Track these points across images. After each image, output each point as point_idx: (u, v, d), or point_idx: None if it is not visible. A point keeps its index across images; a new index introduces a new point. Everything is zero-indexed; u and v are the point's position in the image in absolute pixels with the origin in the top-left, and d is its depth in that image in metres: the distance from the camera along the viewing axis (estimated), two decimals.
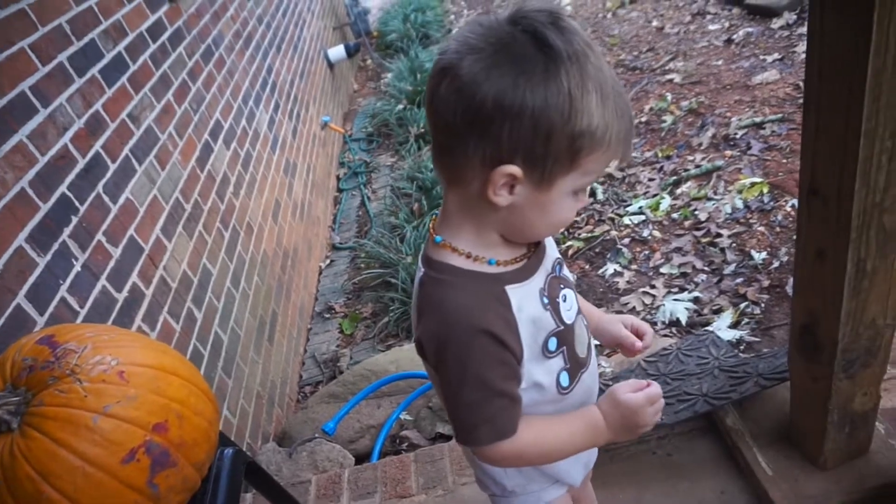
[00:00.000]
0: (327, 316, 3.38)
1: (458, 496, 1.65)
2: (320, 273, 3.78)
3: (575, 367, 0.87)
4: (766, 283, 2.37)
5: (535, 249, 0.85)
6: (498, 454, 0.81)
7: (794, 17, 4.01)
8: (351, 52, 5.82)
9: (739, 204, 2.74)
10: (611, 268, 2.76)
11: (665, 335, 2.38)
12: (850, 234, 0.88)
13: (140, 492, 0.84)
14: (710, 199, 2.86)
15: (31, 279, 1.45)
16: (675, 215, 2.88)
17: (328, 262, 3.87)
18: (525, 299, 0.80)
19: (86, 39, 1.96)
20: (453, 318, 0.76)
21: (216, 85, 2.93)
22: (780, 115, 3.14)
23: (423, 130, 4.72)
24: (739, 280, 2.44)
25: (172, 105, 2.42)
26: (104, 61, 2.02)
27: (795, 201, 2.61)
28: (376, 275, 3.32)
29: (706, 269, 2.57)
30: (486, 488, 1.04)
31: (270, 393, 2.55)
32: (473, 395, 0.77)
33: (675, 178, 3.09)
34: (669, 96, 3.73)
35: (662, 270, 2.64)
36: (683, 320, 2.38)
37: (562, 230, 3.12)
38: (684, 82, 3.83)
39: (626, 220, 2.98)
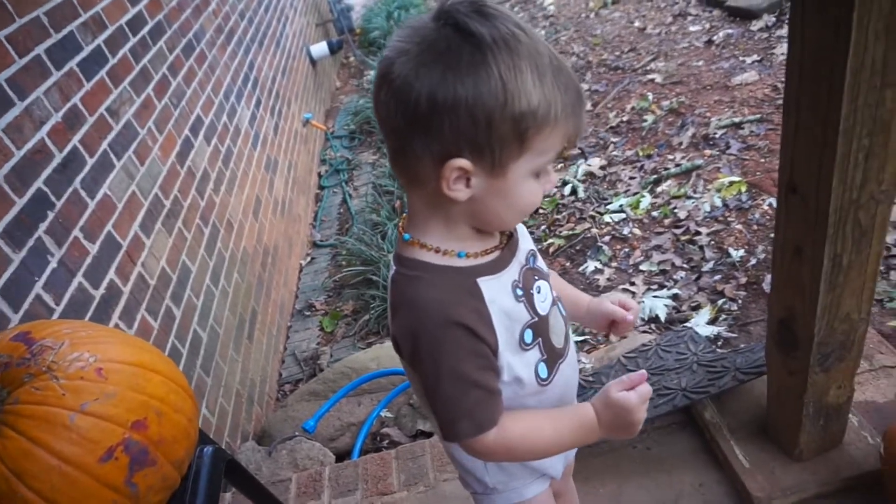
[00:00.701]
0: (308, 314, 3.36)
1: (439, 492, 1.65)
2: (301, 270, 3.76)
3: (552, 357, 0.88)
4: (743, 280, 2.40)
5: (507, 241, 0.85)
6: (483, 448, 0.81)
7: (773, 19, 4.06)
8: (334, 49, 5.79)
9: (718, 202, 2.78)
10: (591, 265, 2.78)
11: (644, 331, 2.40)
12: (827, 230, 0.90)
13: (118, 491, 0.83)
14: (689, 197, 2.89)
15: (5, 276, 1.42)
16: (655, 213, 2.91)
17: (309, 259, 3.85)
18: (498, 292, 0.80)
19: (64, 32, 1.93)
20: (425, 312, 0.76)
21: (197, 80, 2.89)
22: (758, 116, 3.18)
23: None
24: (717, 277, 2.47)
25: (152, 100, 2.39)
26: (83, 54, 1.99)
27: (773, 200, 2.65)
28: (357, 272, 3.31)
29: (685, 266, 2.60)
30: (468, 486, 1.03)
31: (250, 391, 2.53)
32: (450, 389, 0.77)
33: (655, 176, 3.12)
34: (651, 96, 3.76)
35: (642, 268, 2.67)
36: (663, 317, 2.40)
37: (532, 215, 3.14)
38: (665, 82, 3.87)
39: (607, 218, 3.00)
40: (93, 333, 0.91)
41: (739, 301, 2.34)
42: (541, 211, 3.28)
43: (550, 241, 3.02)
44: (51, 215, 1.63)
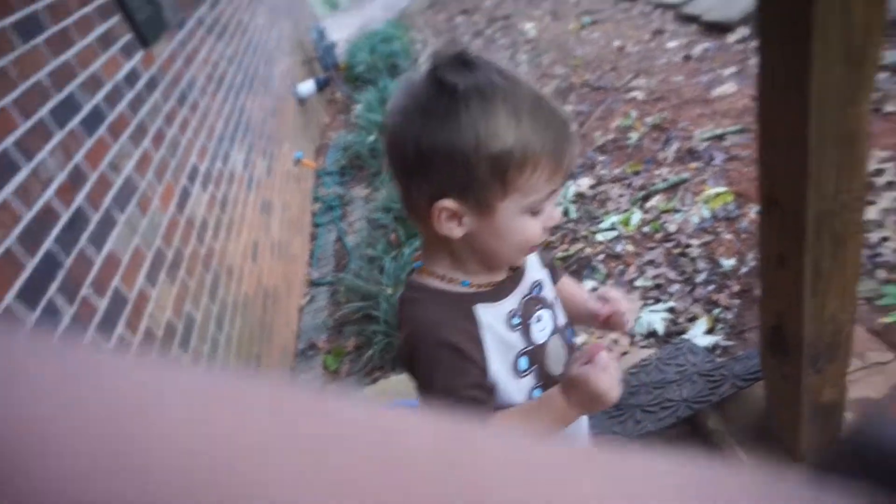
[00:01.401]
0: (311, 353, 3.38)
1: None
2: (301, 311, 3.79)
3: (548, 384, 0.92)
4: (736, 288, 2.46)
5: (512, 273, 0.91)
6: None
7: (748, 31, 4.19)
8: (320, 86, 5.91)
9: (706, 214, 2.84)
10: (588, 284, 2.83)
11: (644, 346, 2.45)
12: (806, 239, 0.96)
13: None
14: (678, 210, 2.96)
15: None
16: (646, 229, 2.98)
17: (308, 298, 3.89)
18: (494, 318, 0.87)
19: (65, 92, 1.99)
20: (421, 331, 0.84)
21: (191, 128, 2.97)
22: (739, 127, 3.27)
23: None
24: (711, 287, 2.52)
25: (150, 152, 2.46)
26: (83, 113, 2.06)
27: (759, 208, 2.71)
28: (357, 308, 3.35)
29: (679, 279, 2.65)
30: None
31: None
32: (441, 402, 0.84)
33: (643, 192, 3.19)
34: (634, 113, 3.86)
35: (637, 283, 2.72)
36: (661, 331, 2.45)
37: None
38: (647, 99, 3.97)
39: (600, 237, 3.06)
40: None
41: (734, 309, 2.39)
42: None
43: None
44: (61, 274, 1.68)
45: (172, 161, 2.63)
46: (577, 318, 1.05)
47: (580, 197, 3.44)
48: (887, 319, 1.96)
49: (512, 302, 0.90)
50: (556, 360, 0.94)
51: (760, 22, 0.86)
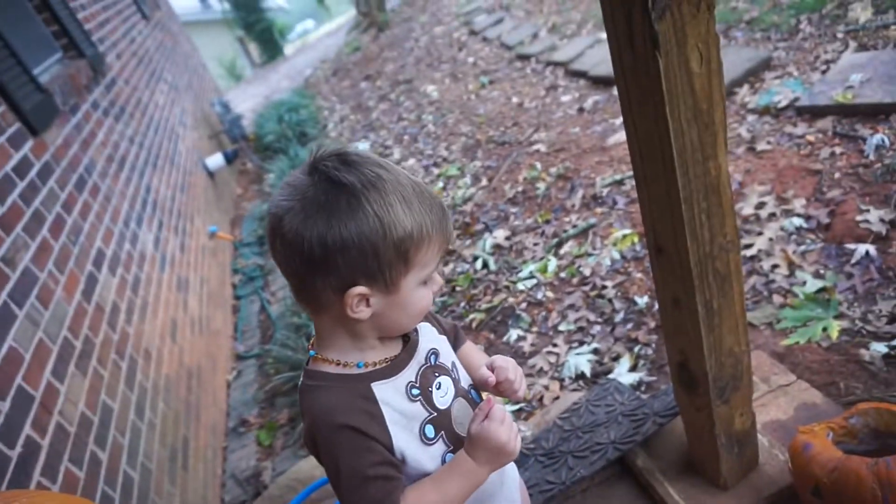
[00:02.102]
0: (242, 430, 3.25)
1: None
2: (228, 386, 3.66)
3: (459, 447, 0.94)
4: (651, 324, 2.58)
5: (405, 345, 0.95)
6: None
7: None
8: (230, 159, 5.86)
9: (616, 255, 2.99)
10: (514, 333, 2.90)
11: (574, 389, 2.51)
12: (693, 281, 1.04)
13: None
14: (590, 254, 3.10)
15: None
16: (562, 274, 3.09)
17: (235, 373, 3.76)
18: (392, 394, 0.90)
19: None
20: (319, 418, 0.87)
21: (93, 213, 2.87)
22: None
23: None
24: (629, 325, 2.64)
25: (49, 241, 2.35)
26: None
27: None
28: (287, 378, 3.27)
29: (599, 320, 2.75)
30: None
31: None
32: (349, 483, 0.86)
33: (556, 239, 3.33)
34: (539, 165, 4.04)
35: (561, 328, 2.80)
36: (588, 372, 2.52)
37: (450, 293, 3.24)
38: (549, 151, 4.17)
39: (520, 286, 3.15)
40: (27, 501, 0.90)
41: (653, 345, 2.50)
42: (458, 288, 3.40)
43: (472, 315, 3.13)
44: None
45: (75, 248, 2.52)
46: (476, 384, 1.07)
47: (498, 248, 3.54)
48: (787, 342, 2.11)
49: (409, 374, 0.93)
50: (463, 423, 0.97)
51: (622, 94, 0.95)
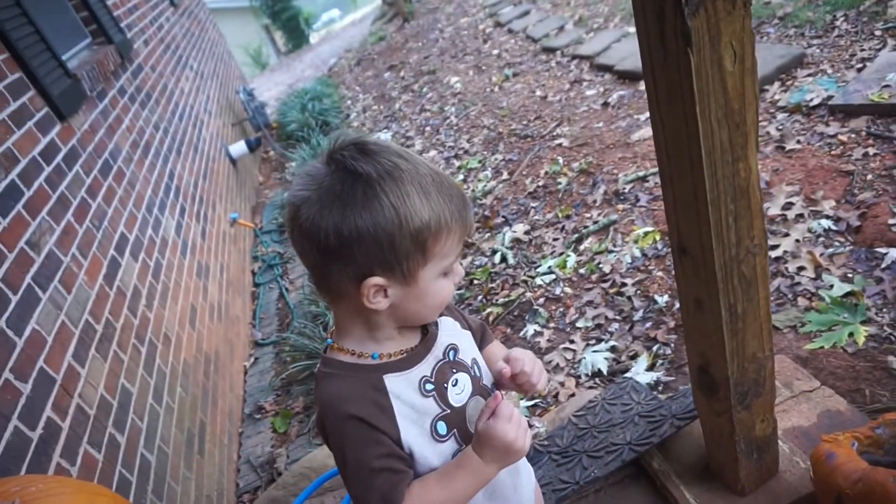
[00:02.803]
0: (258, 416, 3.28)
1: None
2: (245, 373, 3.69)
3: None
4: (671, 323, 2.54)
5: (423, 340, 0.94)
6: None
7: None
8: (252, 147, 5.88)
9: (637, 253, 2.95)
10: (531, 329, 2.88)
11: (590, 387, 2.49)
12: (717, 284, 1.01)
13: None
14: (610, 251, 3.06)
15: None
16: (582, 271, 3.06)
17: (252, 360, 3.79)
18: (404, 388, 0.89)
19: None
20: (329, 406, 0.87)
21: (117, 198, 2.90)
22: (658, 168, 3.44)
23: None
24: (649, 324, 2.60)
25: (73, 225, 2.38)
26: None
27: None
28: (303, 367, 3.29)
29: (618, 317, 2.72)
30: None
31: None
32: (355, 473, 0.86)
33: (576, 235, 3.29)
34: (561, 159, 4.00)
35: (578, 325, 2.78)
36: (604, 370, 2.50)
37: (467, 286, 3.23)
38: (572, 145, 4.13)
39: (539, 281, 3.13)
40: (43, 487, 0.91)
41: (672, 344, 2.47)
42: (475, 282, 3.38)
43: (489, 310, 3.11)
44: None
45: (98, 233, 2.55)
46: (494, 379, 1.05)
47: (517, 242, 3.52)
48: (811, 346, 2.07)
49: (423, 369, 0.92)
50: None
51: (650, 90, 0.92)
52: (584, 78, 5.13)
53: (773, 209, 2.67)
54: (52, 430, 1.74)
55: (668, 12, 0.82)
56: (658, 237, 2.97)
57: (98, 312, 2.27)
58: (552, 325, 2.87)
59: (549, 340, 2.78)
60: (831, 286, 2.25)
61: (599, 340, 2.66)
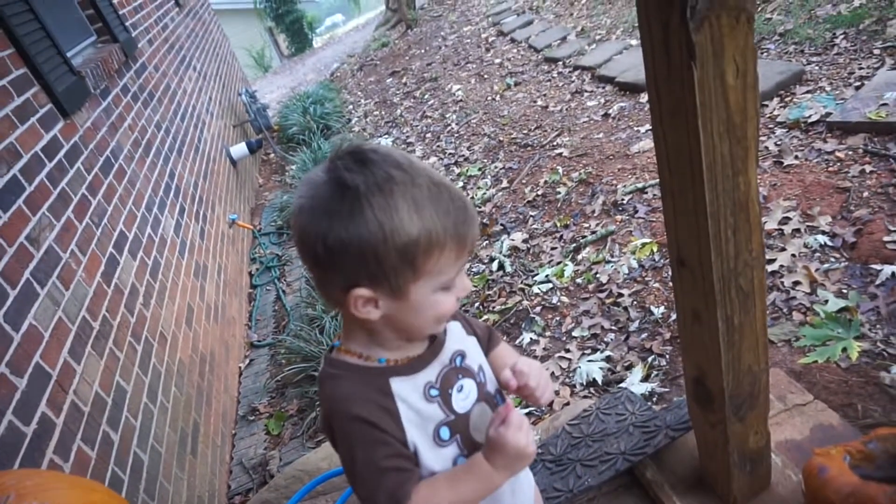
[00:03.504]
0: (251, 418, 3.28)
1: None
2: (240, 374, 3.69)
3: (473, 452, 0.93)
4: (667, 335, 2.55)
5: (431, 346, 0.94)
6: None
7: None
8: (253, 149, 5.90)
9: (634, 264, 2.97)
10: (527, 337, 2.88)
11: (585, 396, 2.50)
12: (715, 296, 1.02)
13: None
14: (608, 261, 3.07)
15: None
16: (579, 280, 3.07)
17: (247, 361, 3.79)
18: (409, 392, 0.89)
19: None
20: (335, 407, 0.87)
21: (118, 196, 2.90)
22: (658, 180, 3.44)
23: None
24: (644, 335, 2.61)
25: (73, 222, 2.38)
26: None
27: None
28: (299, 370, 3.29)
29: (614, 328, 2.73)
30: None
31: None
32: (364, 472, 0.86)
33: (574, 244, 3.31)
34: (560, 169, 4.02)
35: (574, 334, 2.79)
36: (599, 380, 2.51)
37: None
38: (572, 155, 4.15)
39: (536, 289, 3.14)
40: (39, 481, 0.91)
41: (667, 356, 2.48)
42: (473, 288, 3.39)
43: (485, 317, 3.12)
44: None
45: (98, 230, 2.56)
46: (499, 385, 1.05)
47: (515, 251, 3.53)
48: (805, 360, 2.08)
49: (429, 374, 0.92)
50: (480, 429, 0.96)
51: (653, 103, 0.93)
52: (586, 89, 5.16)
53: (771, 224, 2.69)
54: (46, 425, 1.74)
55: (672, 25, 0.83)
56: (655, 249, 2.98)
57: (95, 309, 2.27)
58: (548, 333, 2.88)
59: (544, 349, 2.79)
60: (826, 301, 2.26)
61: (595, 350, 2.67)
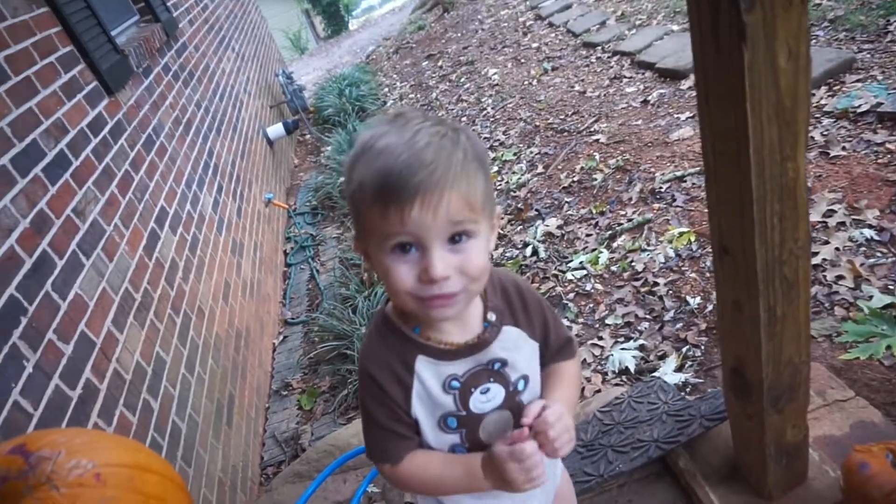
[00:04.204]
0: (285, 393, 3.34)
1: None
2: (274, 350, 3.76)
3: (474, 448, 0.93)
4: (703, 326, 2.51)
5: (474, 344, 0.89)
6: (385, 474, 0.93)
7: None
8: (289, 129, 5.95)
9: (671, 253, 2.92)
10: None
11: (617, 384, 2.48)
12: (758, 286, 1.00)
13: None
14: (644, 250, 3.03)
15: None
16: (613, 268, 3.04)
17: (281, 338, 3.86)
18: (430, 375, 0.89)
19: (27, 140, 1.99)
20: (360, 359, 0.91)
21: (159, 172, 2.97)
22: (698, 168, 3.39)
23: None
24: (679, 325, 2.58)
25: (117, 196, 2.45)
26: (46, 160, 2.05)
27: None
28: (331, 347, 3.33)
29: (648, 316, 2.70)
30: None
31: (232, 478, 2.50)
32: (367, 423, 0.91)
33: (610, 232, 3.27)
34: (597, 155, 3.97)
35: (608, 321, 2.77)
36: (632, 368, 2.49)
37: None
38: (609, 142, 4.09)
39: (569, 276, 3.11)
40: (87, 440, 0.94)
41: (702, 347, 2.44)
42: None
43: None
44: (24, 320, 1.65)
45: (140, 205, 2.62)
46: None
47: (549, 236, 3.51)
48: (846, 356, 2.03)
49: (457, 367, 0.89)
50: (492, 432, 0.93)
51: (700, 86, 0.91)
52: (625, 75, 5.06)
53: (814, 216, 2.62)
54: (91, 390, 1.80)
55: (723, 6, 0.81)
56: (693, 238, 2.93)
57: (137, 282, 2.34)
58: (581, 320, 2.86)
59: (577, 335, 2.77)
60: (871, 297, 2.20)
61: (628, 338, 2.65)
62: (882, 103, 3.09)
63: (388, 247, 0.77)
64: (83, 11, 2.77)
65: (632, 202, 3.41)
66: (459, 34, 9.00)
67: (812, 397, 1.62)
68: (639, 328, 2.67)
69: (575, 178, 3.89)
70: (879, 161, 2.78)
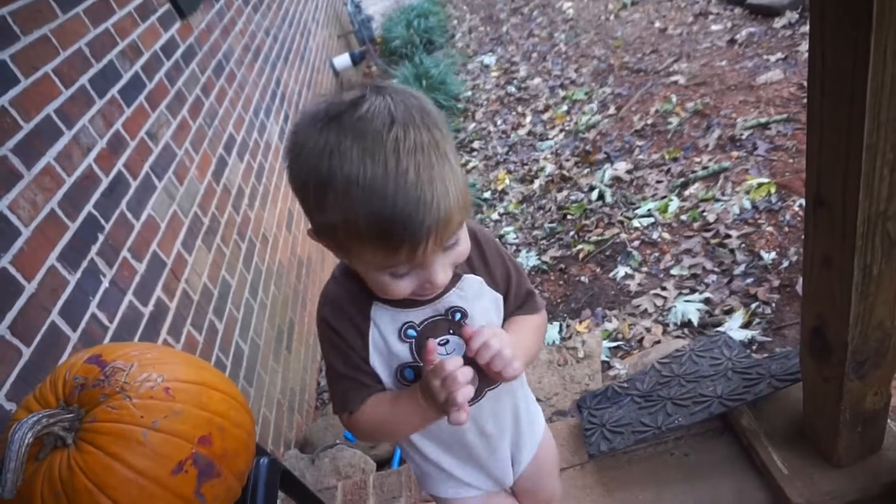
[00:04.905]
0: None
1: None
2: None
3: None
4: (776, 282, 2.40)
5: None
6: (346, 424, 0.92)
7: (797, 16, 4.03)
8: (356, 60, 5.89)
9: (747, 204, 2.77)
10: (621, 270, 2.80)
11: (678, 336, 2.42)
12: (855, 241, 0.92)
13: (188, 501, 0.89)
14: (717, 200, 2.89)
15: (63, 297, 1.50)
16: (683, 217, 2.92)
17: None
18: (386, 323, 0.86)
19: (105, 61, 2.02)
20: (318, 305, 0.89)
21: (228, 99, 2.98)
22: (785, 115, 3.17)
23: None
24: (750, 280, 2.47)
25: (188, 121, 2.48)
26: (122, 81, 2.08)
27: (803, 201, 2.64)
28: None
29: (716, 270, 2.60)
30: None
31: (290, 400, 2.60)
32: (327, 372, 0.90)
33: (682, 179, 3.12)
34: (674, 98, 3.76)
35: (673, 272, 2.68)
36: (695, 321, 2.41)
37: (561, 221, 3.15)
38: (689, 84, 3.86)
39: (636, 223, 3.01)
40: (157, 355, 0.98)
41: (773, 304, 2.34)
42: (569, 217, 3.30)
43: (580, 246, 3.04)
44: (101, 237, 1.71)
45: (209, 130, 2.65)
46: None
47: (617, 181, 3.39)
48: None
49: (414, 315, 0.86)
50: None
51: (814, 14, 0.81)
52: (711, 11, 4.73)
53: None
54: (161, 308, 1.87)
55: None
56: (772, 190, 2.77)
57: (205, 206, 2.39)
58: (644, 269, 2.78)
59: (639, 284, 2.70)
60: None
61: (693, 291, 2.56)
62: None
63: (387, 271, 0.75)
64: None
65: (708, 149, 3.24)
66: None
67: None
68: (705, 281, 2.58)
69: (648, 122, 3.71)
70: None
